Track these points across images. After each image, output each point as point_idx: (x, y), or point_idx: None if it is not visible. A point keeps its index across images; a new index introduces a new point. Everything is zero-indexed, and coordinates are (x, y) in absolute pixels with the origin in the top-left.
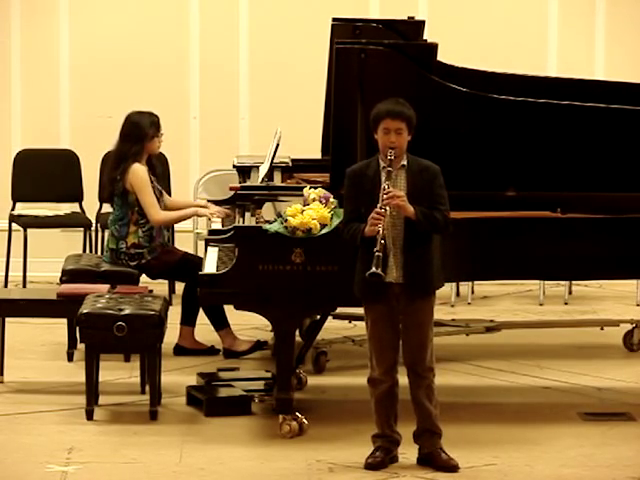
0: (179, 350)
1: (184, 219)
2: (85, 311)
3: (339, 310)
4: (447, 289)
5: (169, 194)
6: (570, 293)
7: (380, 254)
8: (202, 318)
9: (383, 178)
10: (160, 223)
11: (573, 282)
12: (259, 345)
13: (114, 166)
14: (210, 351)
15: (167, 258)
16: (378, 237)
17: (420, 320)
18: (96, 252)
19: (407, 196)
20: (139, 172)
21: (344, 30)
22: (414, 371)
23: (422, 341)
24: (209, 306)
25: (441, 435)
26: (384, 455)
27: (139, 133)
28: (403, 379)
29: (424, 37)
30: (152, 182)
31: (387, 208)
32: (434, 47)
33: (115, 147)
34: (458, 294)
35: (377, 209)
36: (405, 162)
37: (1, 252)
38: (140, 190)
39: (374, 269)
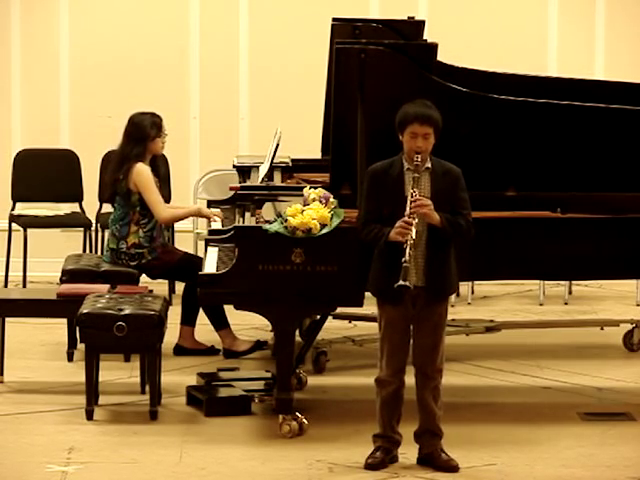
0: (179, 350)
1: (189, 216)
2: (85, 311)
3: (339, 310)
4: None
5: (169, 195)
6: (570, 293)
7: (408, 265)
8: (202, 318)
9: (409, 182)
10: (167, 221)
11: (573, 282)
12: (259, 345)
13: (117, 167)
14: (210, 351)
15: (167, 258)
16: (406, 247)
17: (435, 323)
18: (96, 252)
19: (431, 198)
20: (144, 172)
21: (344, 30)
22: (423, 372)
23: (435, 343)
24: (209, 306)
25: (442, 436)
26: (384, 455)
27: (141, 134)
28: (409, 379)
29: (424, 37)
30: (155, 183)
31: (415, 216)
32: (434, 47)
33: (118, 148)
34: (458, 294)
35: (405, 218)
36: (429, 164)
37: (1, 252)
38: (145, 189)
39: (402, 282)
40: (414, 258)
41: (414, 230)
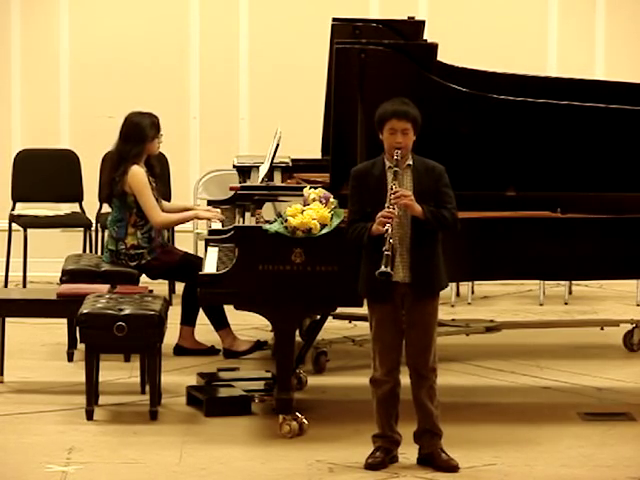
0: (179, 350)
1: (185, 221)
2: (85, 311)
3: (339, 310)
4: (447, 289)
5: (169, 195)
6: (570, 293)
7: (389, 253)
8: (202, 318)
9: (390, 178)
10: (161, 225)
11: (573, 282)
12: (259, 345)
13: (114, 167)
14: (210, 351)
15: (167, 258)
16: (387, 236)
17: (425, 320)
18: (96, 252)
19: (414, 195)
20: (138, 175)
21: (344, 30)
22: (417, 372)
23: (426, 342)
24: (209, 306)
25: (441, 436)
26: (384, 455)
27: (140, 134)
28: (404, 379)
29: (424, 37)
30: (150, 184)
31: (395, 208)
32: (434, 47)
33: (115, 148)
34: (458, 294)
35: (386, 209)
36: (411, 162)
37: (1, 252)
38: (140, 193)
39: (384, 268)
40: (400, 254)
41: (394, 220)
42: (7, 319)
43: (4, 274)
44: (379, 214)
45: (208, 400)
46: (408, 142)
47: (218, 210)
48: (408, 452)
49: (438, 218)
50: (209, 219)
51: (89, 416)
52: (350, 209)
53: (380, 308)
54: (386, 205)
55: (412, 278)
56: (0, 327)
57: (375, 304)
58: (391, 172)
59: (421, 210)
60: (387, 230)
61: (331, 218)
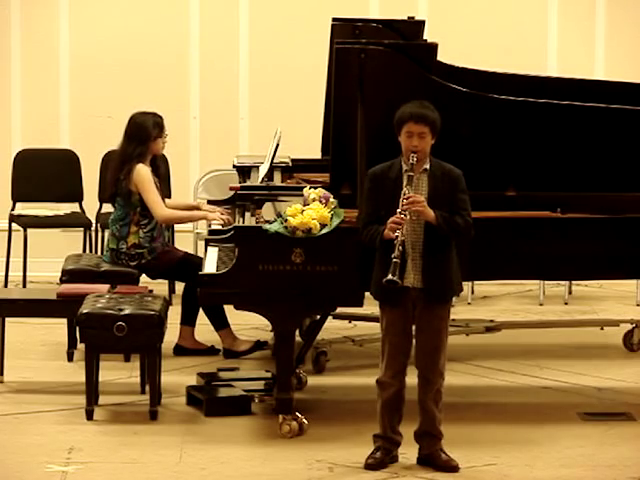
0: (179, 350)
1: (191, 220)
2: (85, 311)
3: (339, 310)
4: None
5: (169, 194)
6: (570, 293)
7: (398, 261)
8: (202, 318)
9: (404, 182)
10: (166, 220)
11: (573, 282)
12: (259, 345)
13: (118, 167)
14: (210, 351)
15: (167, 258)
16: (396, 243)
17: (436, 325)
18: (96, 252)
19: (428, 200)
20: (143, 172)
21: (344, 30)
22: (425, 376)
23: (436, 346)
24: (209, 306)
25: (441, 438)
26: (384, 455)
27: (143, 134)
28: (411, 379)
29: (424, 37)
30: (155, 184)
31: (407, 213)
32: (434, 47)
33: (119, 148)
34: (458, 294)
35: (397, 214)
36: (427, 166)
37: (1, 252)
38: (144, 189)
39: (391, 276)
40: (413, 259)
41: (404, 226)
42: (7, 319)
43: (4, 274)
44: (389, 219)
45: (208, 400)
46: (425, 146)
47: (229, 217)
48: (408, 452)
49: (451, 224)
50: (218, 220)
51: (89, 416)
52: (365, 211)
53: (391, 311)
54: (398, 211)
55: (424, 283)
56: (0, 327)
57: (386, 307)
58: (406, 176)
59: (433, 215)
60: (397, 237)
61: (331, 218)
